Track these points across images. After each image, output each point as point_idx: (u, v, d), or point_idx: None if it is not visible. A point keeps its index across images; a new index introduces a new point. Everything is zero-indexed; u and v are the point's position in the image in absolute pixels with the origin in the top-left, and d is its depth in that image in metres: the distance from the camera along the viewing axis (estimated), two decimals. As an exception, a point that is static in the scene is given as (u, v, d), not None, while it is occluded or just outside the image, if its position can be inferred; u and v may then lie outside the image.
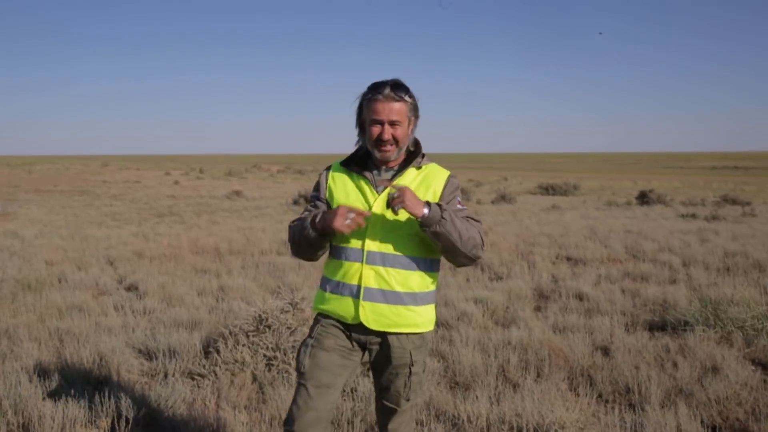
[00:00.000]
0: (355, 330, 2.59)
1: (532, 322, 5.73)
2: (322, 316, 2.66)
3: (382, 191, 2.54)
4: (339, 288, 2.57)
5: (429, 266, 2.61)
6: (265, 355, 4.57)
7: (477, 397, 4.03)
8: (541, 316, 6.13)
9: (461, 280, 7.91)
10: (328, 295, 2.62)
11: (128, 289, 7.81)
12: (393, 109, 2.47)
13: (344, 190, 2.62)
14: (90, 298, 7.17)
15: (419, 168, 2.60)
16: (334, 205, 2.58)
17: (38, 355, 5.10)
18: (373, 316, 2.51)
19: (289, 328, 4.79)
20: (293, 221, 2.65)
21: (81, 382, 4.47)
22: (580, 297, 6.88)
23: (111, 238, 12.88)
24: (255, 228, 13.63)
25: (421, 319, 2.58)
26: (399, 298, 2.51)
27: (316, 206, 2.68)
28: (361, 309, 2.51)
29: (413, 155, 2.62)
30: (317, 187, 2.71)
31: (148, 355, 5.14)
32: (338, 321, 2.61)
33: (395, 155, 2.55)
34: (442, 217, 2.37)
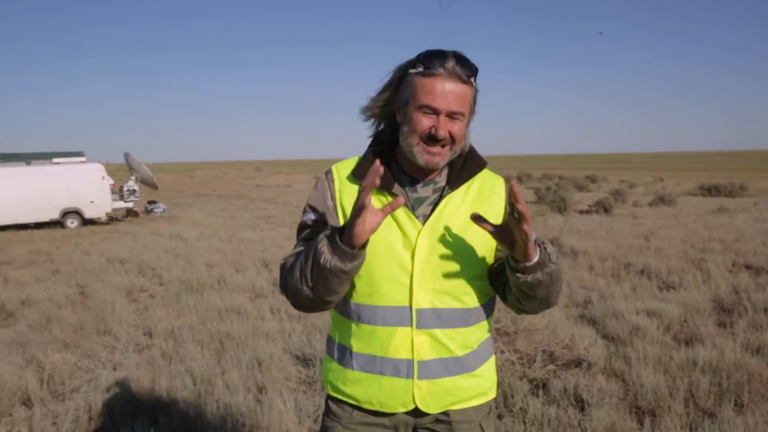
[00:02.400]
0: (401, 418, 1.76)
1: (719, 339, 5.09)
2: (343, 403, 1.80)
3: (426, 217, 1.70)
4: (376, 365, 1.70)
5: (489, 311, 1.81)
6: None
7: (668, 427, 3.56)
8: (727, 332, 5.45)
9: (627, 290, 7.30)
10: (356, 374, 1.74)
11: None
12: (457, 94, 1.60)
13: None
14: (247, 301, 7.29)
15: (468, 181, 1.76)
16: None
17: (200, 358, 5.17)
18: (432, 397, 1.71)
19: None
20: (285, 259, 1.75)
21: (242, 389, 4.44)
22: (769, 311, 6.10)
23: (265, 241, 13.28)
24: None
25: (488, 383, 1.83)
26: (461, 365, 1.73)
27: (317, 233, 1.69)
28: (416, 391, 1.69)
29: (465, 161, 1.76)
30: (316, 202, 1.77)
31: (305, 361, 5.07)
32: (373, 412, 1.76)
33: (445, 161, 1.68)
34: (550, 260, 1.59)
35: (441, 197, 1.71)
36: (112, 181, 21.09)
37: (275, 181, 49.06)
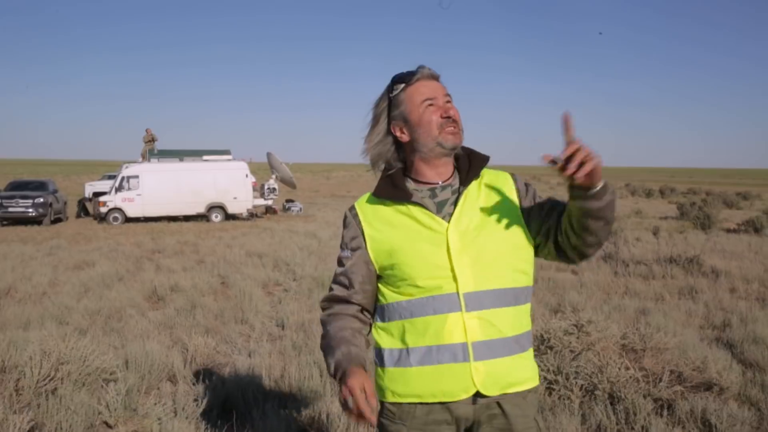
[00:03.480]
0: (461, 409, 1.78)
1: None
2: (403, 405, 1.81)
3: (451, 215, 1.80)
4: (433, 355, 1.74)
5: (528, 296, 1.88)
6: (545, 378, 4.31)
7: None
8: None
9: (772, 315, 6.84)
10: (414, 370, 1.77)
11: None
12: (439, 86, 1.84)
13: (393, 229, 1.82)
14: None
15: (478, 176, 1.87)
16: (384, 260, 1.83)
17: (328, 351, 5.40)
18: (490, 378, 1.75)
19: (572, 351, 4.48)
20: (324, 304, 1.94)
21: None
22: None
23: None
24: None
25: (533, 369, 1.88)
26: (513, 345, 1.79)
27: (350, 265, 1.87)
28: (474, 373, 1.73)
29: (470, 161, 1.88)
30: (347, 239, 1.89)
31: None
32: (437, 407, 1.78)
33: (463, 140, 1.85)
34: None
35: (459, 195, 1.83)
36: (254, 179, 22.28)
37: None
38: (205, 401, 4.17)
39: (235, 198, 21.49)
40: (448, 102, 1.84)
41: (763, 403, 4.16)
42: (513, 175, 1.93)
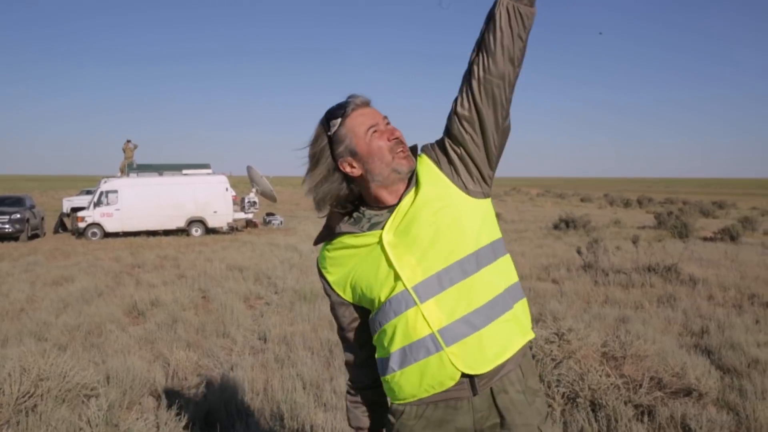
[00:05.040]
0: (462, 412, 1.77)
1: None
2: (405, 406, 1.82)
3: (383, 224, 1.79)
4: (409, 355, 1.76)
5: (489, 255, 1.80)
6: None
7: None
8: None
9: (749, 322, 6.94)
10: (399, 374, 1.79)
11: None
12: (375, 110, 1.81)
13: (342, 268, 1.85)
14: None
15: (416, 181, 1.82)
16: (356, 299, 1.86)
17: (311, 363, 5.40)
18: (471, 357, 1.72)
19: (554, 359, 4.52)
20: (348, 385, 2.04)
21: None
22: None
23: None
24: (514, 252, 13.44)
25: (520, 324, 1.82)
26: (484, 315, 1.74)
27: (340, 314, 1.94)
28: (452, 358, 1.71)
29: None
30: (324, 290, 1.95)
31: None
32: (435, 400, 1.78)
33: (414, 165, 1.81)
34: None
35: (392, 211, 1.80)
36: (234, 193, 22.22)
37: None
38: (187, 415, 4.15)
39: (215, 212, 21.41)
40: (389, 124, 1.81)
41: (740, 407, 4.21)
42: (425, 151, 1.86)
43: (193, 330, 6.83)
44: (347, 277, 1.86)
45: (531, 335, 1.87)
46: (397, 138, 1.78)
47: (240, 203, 23.06)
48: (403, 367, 1.77)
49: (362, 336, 1.94)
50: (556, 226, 20.49)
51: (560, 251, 13.98)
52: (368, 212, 1.85)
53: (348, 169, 1.80)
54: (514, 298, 1.84)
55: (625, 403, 4.16)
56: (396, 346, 1.78)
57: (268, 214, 25.05)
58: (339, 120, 1.78)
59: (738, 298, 8.42)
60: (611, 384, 4.30)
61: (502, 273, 1.83)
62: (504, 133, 1.82)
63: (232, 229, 22.20)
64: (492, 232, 1.84)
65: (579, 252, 11.32)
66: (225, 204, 21.56)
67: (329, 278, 1.90)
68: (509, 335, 1.79)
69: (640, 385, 4.33)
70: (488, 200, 1.86)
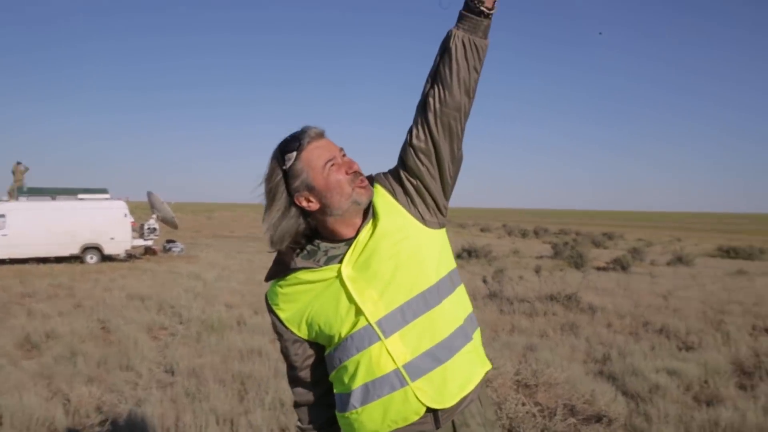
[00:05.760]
0: (423, 425, 1.74)
1: (740, 402, 5.08)
2: None
3: (339, 259, 1.75)
4: (373, 392, 1.71)
5: (448, 287, 1.80)
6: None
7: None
8: (748, 395, 5.44)
9: (646, 348, 7.29)
10: (360, 412, 1.73)
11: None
12: (331, 142, 1.76)
13: (295, 304, 1.80)
14: (267, 343, 7.36)
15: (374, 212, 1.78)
16: (313, 335, 1.81)
17: (223, 397, 5.23)
18: (438, 392, 1.70)
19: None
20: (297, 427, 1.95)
21: (265, 430, 4.50)
22: (793, 377, 6.07)
23: (283, 284, 13.36)
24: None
25: (480, 355, 1.83)
26: (448, 347, 1.73)
27: (292, 353, 1.87)
28: (418, 393, 1.69)
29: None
30: (274, 329, 1.89)
31: (326, 405, 5.11)
32: None
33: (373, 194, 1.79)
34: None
35: (350, 244, 1.77)
36: (132, 219, 21.39)
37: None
38: (93, 456, 3.91)
39: (112, 238, 20.50)
40: (345, 156, 1.77)
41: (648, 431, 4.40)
42: (378, 181, 1.83)
43: (93, 363, 6.46)
44: (302, 314, 1.80)
45: (489, 365, 1.88)
46: (355, 171, 1.74)
47: (139, 230, 22.21)
48: (366, 403, 1.73)
49: (316, 374, 1.88)
50: (459, 255, 20.93)
51: (464, 280, 14.18)
52: (324, 245, 1.80)
53: (305, 204, 1.75)
54: (472, 327, 1.85)
55: (542, 431, 4.25)
56: (358, 383, 1.73)
57: (168, 241, 24.26)
58: (294, 154, 1.72)
59: (634, 326, 8.85)
60: (527, 412, 4.39)
61: (461, 303, 1.84)
62: (458, 163, 1.82)
63: (130, 256, 21.34)
64: (449, 262, 1.84)
65: (485, 281, 11.60)
66: (123, 230, 20.68)
67: (281, 315, 1.84)
68: (471, 367, 1.79)
69: (555, 413, 4.45)
70: (444, 230, 1.86)
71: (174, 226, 23.79)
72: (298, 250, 1.82)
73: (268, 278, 1.84)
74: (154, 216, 22.79)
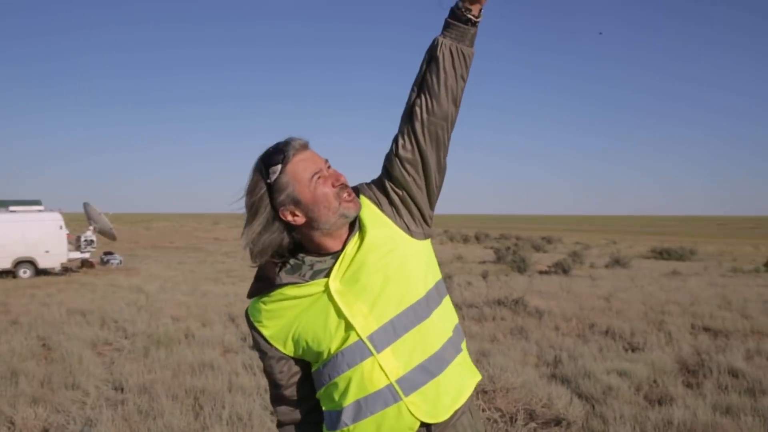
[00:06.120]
0: None
1: (689, 400, 5.25)
2: None
3: (325, 273, 1.71)
4: (365, 409, 1.67)
5: (435, 298, 1.78)
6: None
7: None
8: (696, 393, 5.62)
9: (594, 350, 7.45)
10: (352, 429, 1.69)
11: (253, 347, 7.79)
12: (315, 154, 1.71)
13: (280, 320, 1.74)
14: (219, 356, 7.22)
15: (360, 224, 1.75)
16: (299, 352, 1.76)
17: (179, 413, 5.09)
18: (432, 406, 1.68)
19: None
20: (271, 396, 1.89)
21: (225, 445, 4.40)
22: (734, 374, 6.30)
23: (229, 295, 13.15)
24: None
25: (470, 365, 1.83)
26: (440, 360, 1.71)
27: (277, 371, 1.80)
28: (412, 408, 1.66)
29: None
30: (256, 347, 1.83)
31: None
32: None
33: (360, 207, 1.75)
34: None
35: (338, 256, 1.72)
36: (68, 231, 20.70)
37: (234, 235, 48.62)
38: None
39: (47, 252, 19.76)
40: (330, 168, 1.71)
41: (605, 433, 4.49)
42: (363, 192, 1.79)
43: (37, 383, 6.21)
44: (288, 330, 1.74)
45: (479, 376, 1.86)
46: (342, 183, 1.70)
47: (75, 242, 21.49)
48: (358, 420, 1.69)
49: (302, 391, 1.83)
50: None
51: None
52: (309, 259, 1.75)
53: (290, 218, 1.70)
54: (460, 338, 1.83)
55: (505, 437, 4.29)
56: (350, 400, 1.68)
57: (106, 253, 23.53)
58: (279, 167, 1.66)
59: (580, 328, 9.04)
60: (488, 418, 4.42)
61: (448, 314, 1.82)
62: (443, 172, 1.81)
63: (66, 269, 20.62)
64: (435, 273, 1.82)
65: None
66: (58, 243, 19.97)
67: (265, 333, 1.77)
68: (462, 379, 1.77)
69: (515, 418, 4.50)
70: (429, 241, 1.84)
71: (112, 237, 23.17)
72: (280, 265, 1.77)
73: (250, 295, 1.78)
74: (91, 228, 22.12)
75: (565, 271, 19.03)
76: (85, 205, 22.31)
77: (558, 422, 4.64)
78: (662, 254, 29.30)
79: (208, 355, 7.18)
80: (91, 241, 21.70)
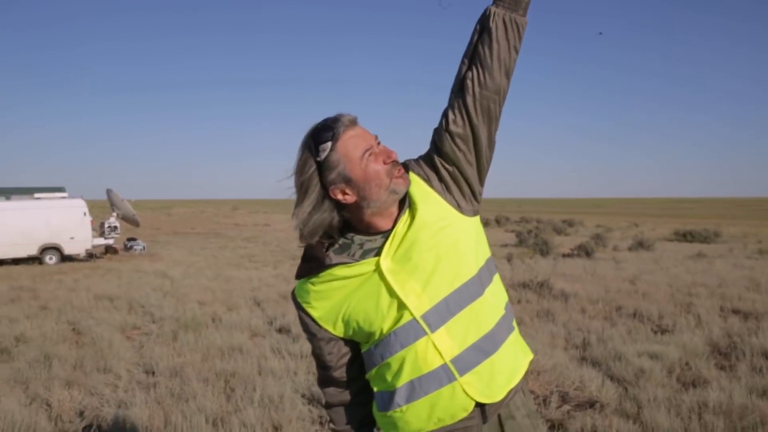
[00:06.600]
0: (470, 421, 1.70)
1: (724, 382, 5.18)
2: None
3: (375, 252, 1.68)
4: (419, 389, 1.66)
5: (487, 275, 1.75)
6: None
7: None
8: (730, 376, 5.55)
9: (623, 332, 7.39)
10: (404, 409, 1.69)
11: (279, 331, 7.85)
12: (365, 130, 1.66)
13: (329, 302, 1.72)
14: (247, 339, 7.25)
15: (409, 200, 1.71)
16: (350, 333, 1.74)
17: (211, 396, 5.13)
18: (486, 386, 1.67)
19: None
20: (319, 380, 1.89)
21: (259, 428, 4.42)
22: (767, 354, 6.22)
23: (253, 280, 13.23)
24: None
25: (522, 344, 1.82)
26: (494, 339, 1.68)
27: (326, 353, 1.80)
28: (467, 388, 1.64)
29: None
30: (304, 328, 1.81)
31: (314, 401, 5.06)
32: None
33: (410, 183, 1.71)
34: None
35: (387, 237, 1.69)
36: (92, 218, 20.92)
37: (253, 220, 48.98)
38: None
39: (72, 238, 20.00)
40: (380, 144, 1.66)
41: (640, 416, 4.45)
42: (412, 168, 1.75)
43: (70, 366, 6.28)
44: (338, 311, 1.71)
45: (531, 354, 1.84)
46: (393, 160, 1.65)
47: (99, 228, 21.73)
48: (411, 401, 1.67)
49: (351, 372, 1.82)
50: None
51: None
52: (358, 238, 1.72)
53: (341, 197, 1.65)
54: (512, 316, 1.81)
55: (539, 419, 4.27)
56: (403, 380, 1.67)
57: (129, 240, 23.77)
58: (329, 144, 1.60)
59: (607, 311, 8.97)
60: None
61: (499, 292, 1.79)
62: (493, 147, 1.77)
63: (91, 255, 20.86)
64: (485, 250, 1.79)
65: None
66: (83, 230, 20.21)
67: (314, 314, 1.75)
68: (516, 358, 1.75)
69: (549, 401, 4.47)
70: (478, 218, 1.80)
71: (135, 223, 23.37)
72: (327, 244, 1.74)
73: (299, 276, 1.76)
74: (115, 214, 22.33)
75: (589, 254, 18.88)
76: (108, 192, 22.53)
77: (591, 405, 4.61)
78: (686, 236, 28.99)
79: (237, 338, 7.22)
80: (115, 227, 21.92)
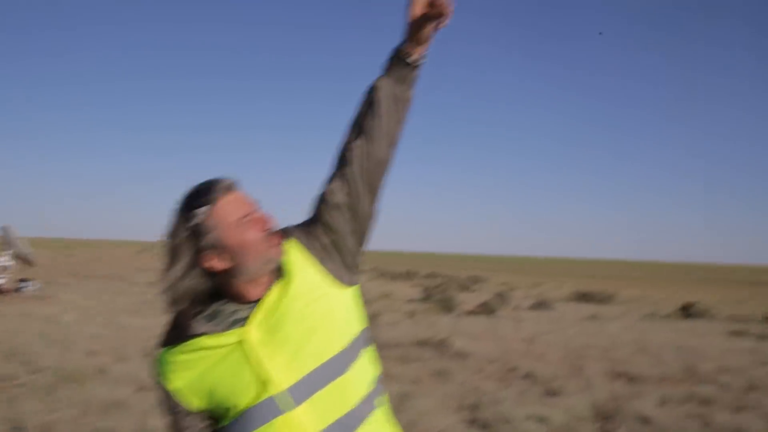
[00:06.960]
0: None
1: (603, 448, 5.33)
2: None
3: (243, 322, 1.61)
4: None
5: (358, 347, 1.70)
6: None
7: None
8: (610, 441, 5.72)
9: (515, 393, 7.53)
10: None
11: (158, 401, 7.52)
12: (244, 195, 1.62)
13: (190, 372, 1.61)
14: (132, 394, 6.93)
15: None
16: (211, 406, 1.63)
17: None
18: None
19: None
20: None
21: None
22: (644, 420, 6.46)
23: (148, 329, 12.73)
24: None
25: (388, 419, 1.76)
26: (360, 412, 1.64)
27: (183, 427, 1.67)
28: None
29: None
30: (162, 402, 1.68)
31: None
32: None
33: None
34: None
35: (256, 307, 1.63)
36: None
37: (158, 265, 47.36)
38: None
39: (-45, 277, 18.77)
40: (259, 210, 1.62)
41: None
42: (291, 235, 1.69)
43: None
44: (199, 383, 1.62)
45: (399, 430, 1.81)
46: (270, 228, 1.62)
47: (-13, 268, 20.48)
48: None
49: None
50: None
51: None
52: (231, 306, 1.64)
53: (213, 264, 1.59)
54: (381, 391, 1.77)
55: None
56: None
57: (22, 280, 22.51)
58: (205, 208, 1.56)
59: (503, 371, 9.13)
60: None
61: (370, 366, 1.75)
62: (375, 217, 1.76)
63: (-25, 296, 19.58)
64: (360, 321, 1.75)
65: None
66: (-32, 268, 19.02)
67: (174, 386, 1.64)
68: (384, 428, 1.71)
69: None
70: (356, 288, 1.78)
71: (30, 263, 22.19)
72: (196, 313, 1.65)
73: (163, 344, 1.67)
74: (9, 252, 21.15)
75: (491, 312, 19.26)
76: (4, 228, 21.36)
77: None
78: (585, 297, 30.04)
79: (121, 392, 6.89)
80: (7, 266, 20.73)
